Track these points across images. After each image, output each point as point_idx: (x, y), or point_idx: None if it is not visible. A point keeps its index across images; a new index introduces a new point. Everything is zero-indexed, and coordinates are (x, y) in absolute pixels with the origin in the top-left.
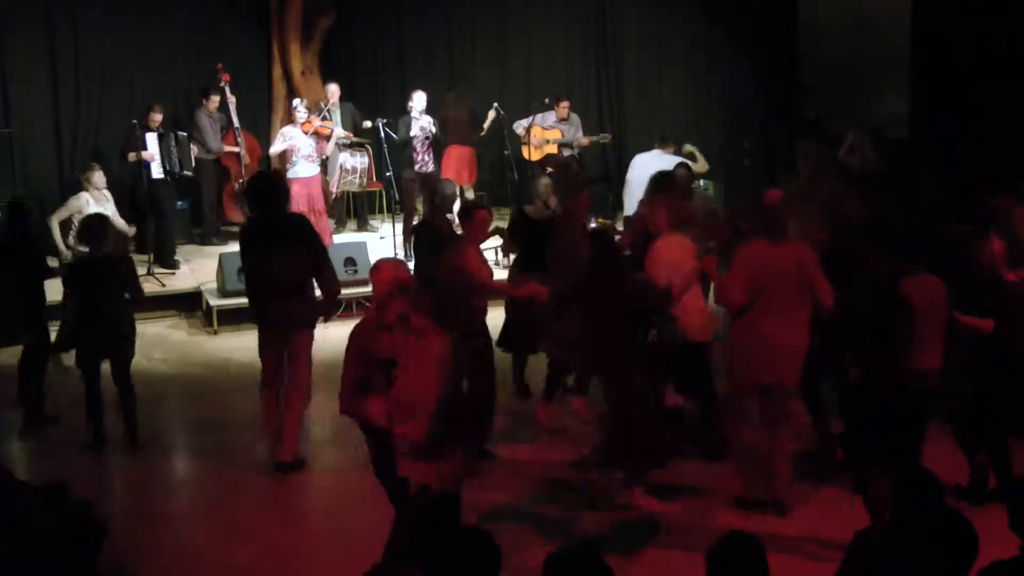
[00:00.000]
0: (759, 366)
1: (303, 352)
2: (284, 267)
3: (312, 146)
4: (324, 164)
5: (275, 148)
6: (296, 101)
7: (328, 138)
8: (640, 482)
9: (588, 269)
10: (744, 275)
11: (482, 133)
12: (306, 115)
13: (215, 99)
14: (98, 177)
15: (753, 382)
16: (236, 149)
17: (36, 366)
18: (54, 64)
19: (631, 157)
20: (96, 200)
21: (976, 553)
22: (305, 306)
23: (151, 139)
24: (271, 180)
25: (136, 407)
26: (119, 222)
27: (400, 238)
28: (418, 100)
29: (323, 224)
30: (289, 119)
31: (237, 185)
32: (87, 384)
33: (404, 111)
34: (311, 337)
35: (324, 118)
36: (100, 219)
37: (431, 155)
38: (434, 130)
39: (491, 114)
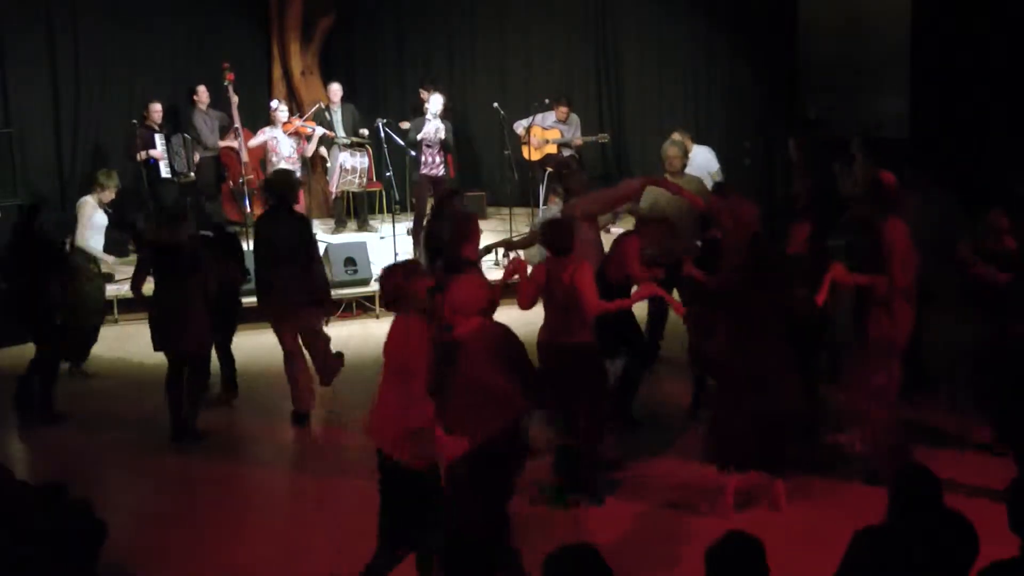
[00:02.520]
0: (904, 329)
1: (313, 324)
2: (291, 247)
3: (293, 147)
4: (317, 164)
5: (254, 140)
6: (275, 102)
7: (309, 138)
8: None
9: (743, 276)
10: (908, 255)
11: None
12: (287, 115)
13: (202, 90)
14: (112, 190)
15: (902, 344)
16: (233, 144)
17: (47, 367)
18: (54, 64)
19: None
20: (100, 205)
21: (976, 553)
22: (310, 284)
23: (158, 140)
24: (291, 177)
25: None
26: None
27: (400, 238)
28: (435, 103)
29: None
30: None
31: (234, 184)
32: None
33: (406, 111)
34: (318, 315)
35: (310, 118)
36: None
37: (442, 157)
38: (444, 136)
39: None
